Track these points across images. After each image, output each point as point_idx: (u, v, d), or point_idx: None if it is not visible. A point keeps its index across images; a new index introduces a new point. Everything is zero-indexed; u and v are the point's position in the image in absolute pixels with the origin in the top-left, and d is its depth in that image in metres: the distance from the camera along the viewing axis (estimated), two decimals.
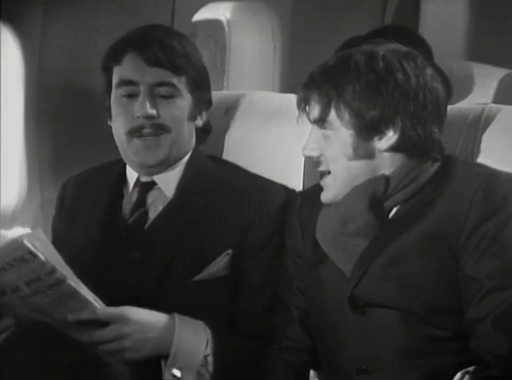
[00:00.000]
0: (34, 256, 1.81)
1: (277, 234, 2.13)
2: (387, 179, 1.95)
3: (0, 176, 2.75)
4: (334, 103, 1.95)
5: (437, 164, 1.98)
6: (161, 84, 2.13)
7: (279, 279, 2.12)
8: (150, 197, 2.18)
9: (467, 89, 3.68)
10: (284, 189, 2.19)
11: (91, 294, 1.93)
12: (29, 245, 1.80)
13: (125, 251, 2.14)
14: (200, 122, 2.22)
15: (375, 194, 1.95)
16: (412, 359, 1.90)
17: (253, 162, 2.37)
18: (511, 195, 1.90)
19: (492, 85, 3.67)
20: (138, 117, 2.12)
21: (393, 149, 1.95)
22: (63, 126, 2.81)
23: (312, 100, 1.97)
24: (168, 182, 2.18)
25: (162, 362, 2.01)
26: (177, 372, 1.99)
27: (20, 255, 1.81)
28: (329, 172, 1.99)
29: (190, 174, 2.18)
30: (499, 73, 3.75)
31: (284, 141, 2.38)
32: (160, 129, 2.13)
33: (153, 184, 2.18)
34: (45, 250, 1.84)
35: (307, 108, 1.99)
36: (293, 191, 2.20)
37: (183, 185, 2.17)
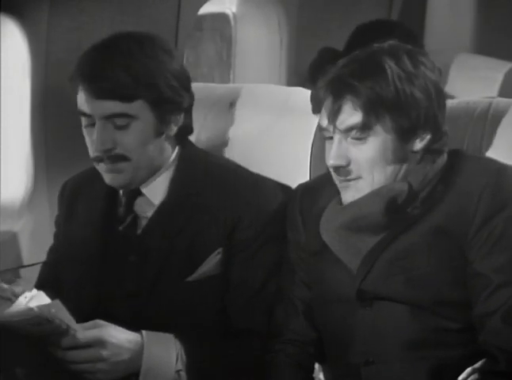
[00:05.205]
0: (50, 321, 1.85)
1: (267, 231, 2.10)
2: (410, 185, 1.92)
3: (7, 170, 2.76)
4: (376, 108, 1.89)
5: (444, 159, 1.97)
6: (113, 115, 2.05)
7: (275, 273, 2.10)
8: (137, 203, 2.16)
9: (473, 82, 3.68)
10: (279, 187, 2.16)
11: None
12: (46, 315, 1.84)
13: (123, 254, 2.14)
14: (172, 130, 2.13)
15: (395, 199, 1.92)
16: (421, 350, 1.90)
17: (258, 156, 2.36)
18: None
19: (498, 79, 3.67)
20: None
21: (425, 150, 1.93)
22: (70, 119, 2.80)
23: (347, 107, 1.90)
24: (154, 189, 2.14)
25: None
26: None
27: (36, 321, 1.84)
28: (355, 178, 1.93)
29: (179, 177, 2.15)
30: (505, 66, 3.74)
31: (291, 134, 2.37)
32: (119, 159, 2.08)
33: (138, 192, 2.15)
34: (59, 314, 1.87)
35: (340, 116, 1.91)
36: (289, 188, 2.17)
37: (173, 188, 2.14)
